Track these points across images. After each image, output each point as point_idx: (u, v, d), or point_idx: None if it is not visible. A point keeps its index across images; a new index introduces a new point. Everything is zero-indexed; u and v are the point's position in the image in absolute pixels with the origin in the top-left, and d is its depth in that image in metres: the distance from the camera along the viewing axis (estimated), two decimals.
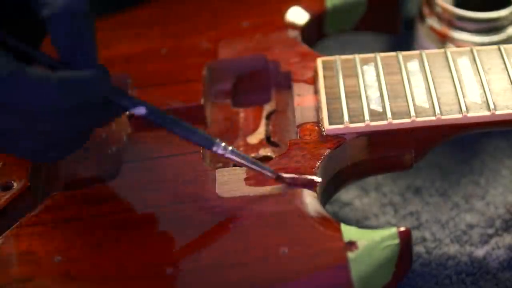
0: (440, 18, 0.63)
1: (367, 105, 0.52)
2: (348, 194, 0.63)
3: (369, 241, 0.46)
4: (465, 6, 0.63)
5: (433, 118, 0.51)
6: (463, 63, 0.55)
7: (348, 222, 0.58)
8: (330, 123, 0.52)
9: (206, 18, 0.62)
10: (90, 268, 0.47)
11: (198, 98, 0.55)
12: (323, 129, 0.52)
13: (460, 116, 0.51)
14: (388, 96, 0.53)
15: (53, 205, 0.50)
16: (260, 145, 0.55)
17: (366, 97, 0.53)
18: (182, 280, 0.46)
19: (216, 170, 0.51)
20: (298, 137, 0.52)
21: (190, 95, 0.56)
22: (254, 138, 0.55)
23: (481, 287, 0.57)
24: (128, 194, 0.50)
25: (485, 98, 0.52)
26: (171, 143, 0.53)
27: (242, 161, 0.48)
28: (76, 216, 0.49)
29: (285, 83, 0.57)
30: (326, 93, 0.53)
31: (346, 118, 0.52)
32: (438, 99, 0.52)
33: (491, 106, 0.51)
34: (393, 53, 0.56)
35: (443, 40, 0.63)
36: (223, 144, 0.48)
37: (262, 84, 0.58)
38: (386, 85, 0.53)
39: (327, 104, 0.53)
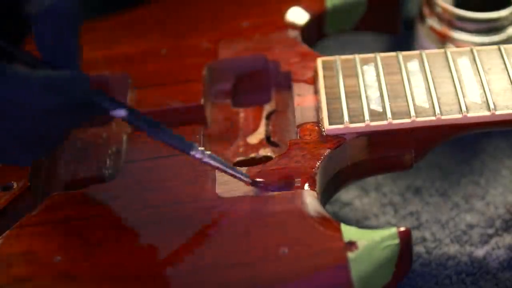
0: (440, 18, 0.63)
1: (367, 105, 0.52)
2: (348, 194, 0.63)
3: (369, 241, 0.46)
4: (465, 6, 0.63)
5: (433, 118, 0.51)
6: (463, 63, 0.55)
7: (348, 222, 0.58)
8: (330, 123, 0.52)
9: (206, 18, 0.62)
10: (90, 268, 0.47)
11: (198, 98, 0.55)
12: (323, 129, 0.52)
13: (460, 116, 0.51)
14: (388, 96, 0.53)
15: (53, 205, 0.50)
16: (260, 145, 0.55)
17: (366, 97, 0.53)
18: (182, 280, 0.46)
19: (216, 170, 0.51)
20: (298, 137, 0.52)
21: (190, 95, 0.56)
22: (254, 138, 0.55)
23: (481, 287, 0.57)
24: (128, 194, 0.50)
25: (485, 98, 0.52)
26: None
27: (219, 166, 0.49)
28: (76, 216, 0.49)
29: (285, 83, 0.57)
30: (326, 93, 0.53)
31: (346, 118, 0.52)
32: (438, 99, 0.52)
33: (491, 106, 0.51)
34: (393, 53, 0.56)
35: (443, 40, 0.63)
36: (201, 148, 0.48)
37: (262, 84, 0.58)
38: (386, 85, 0.53)
39: (327, 104, 0.53)
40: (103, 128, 0.57)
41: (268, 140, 0.55)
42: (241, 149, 0.55)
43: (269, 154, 0.54)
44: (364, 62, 0.55)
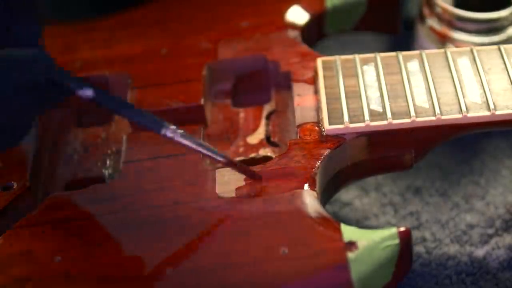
0: (440, 18, 0.63)
1: (367, 105, 0.52)
2: (348, 194, 0.63)
3: (369, 241, 0.46)
4: (463, 6, 0.63)
5: (433, 118, 0.51)
6: (463, 63, 0.55)
7: (348, 222, 0.58)
8: (330, 123, 0.52)
9: (206, 18, 0.62)
10: (90, 268, 0.47)
11: (198, 98, 0.55)
12: (323, 129, 0.52)
13: (460, 116, 0.51)
14: (388, 96, 0.53)
15: (53, 205, 0.50)
16: (260, 145, 0.55)
17: (366, 97, 0.53)
18: (182, 280, 0.46)
19: (216, 170, 0.51)
20: (298, 137, 0.52)
21: (190, 95, 0.56)
22: (254, 138, 0.55)
23: (481, 287, 0.57)
24: (128, 194, 0.50)
25: (485, 98, 0.52)
26: (171, 143, 0.53)
27: (193, 145, 0.47)
28: (76, 216, 0.49)
29: (285, 83, 0.57)
30: (326, 93, 0.53)
31: (346, 118, 0.52)
32: (438, 99, 0.52)
33: (491, 106, 0.51)
34: (393, 53, 0.56)
35: (443, 41, 0.63)
36: (173, 127, 0.47)
37: (262, 84, 0.58)
38: (386, 85, 0.53)
39: (327, 104, 0.53)
40: (103, 128, 0.57)
41: (268, 140, 0.55)
42: (241, 149, 0.55)
43: (269, 154, 0.54)
44: (364, 62, 0.55)
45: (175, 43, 0.60)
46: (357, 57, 0.56)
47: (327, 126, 0.52)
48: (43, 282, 0.46)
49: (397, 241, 0.46)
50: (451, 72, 0.54)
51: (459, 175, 0.64)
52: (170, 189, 0.50)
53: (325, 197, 0.52)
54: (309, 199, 0.48)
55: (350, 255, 0.45)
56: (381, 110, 0.52)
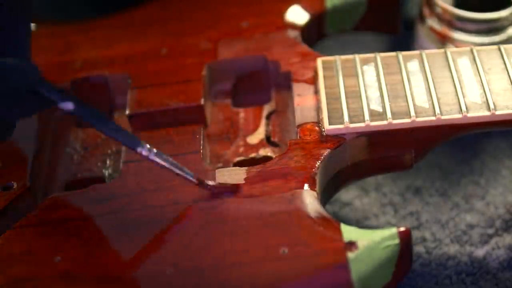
0: (440, 18, 0.63)
1: (367, 105, 0.52)
2: (348, 194, 0.63)
3: (369, 241, 0.46)
4: (463, 6, 0.63)
5: (433, 118, 0.51)
6: (463, 63, 0.55)
7: (348, 222, 0.58)
8: (330, 123, 0.52)
9: (206, 18, 0.62)
10: (90, 268, 0.47)
11: (198, 98, 0.55)
12: (323, 129, 0.52)
13: (460, 116, 0.51)
14: (388, 96, 0.53)
15: (53, 205, 0.50)
16: (260, 145, 0.55)
17: (366, 97, 0.53)
18: (182, 280, 0.46)
19: (216, 170, 0.51)
20: (298, 137, 0.52)
21: (190, 95, 0.56)
22: (254, 138, 0.55)
23: (481, 287, 0.57)
24: (128, 194, 0.50)
25: (485, 98, 0.52)
26: (171, 143, 0.53)
27: (166, 165, 0.48)
28: (76, 216, 0.49)
29: (285, 83, 0.57)
30: (326, 93, 0.53)
31: (346, 118, 0.52)
32: (438, 99, 0.52)
33: (491, 106, 0.51)
34: (393, 53, 0.56)
35: (443, 41, 0.63)
36: (148, 146, 0.48)
37: (262, 84, 0.58)
38: (386, 85, 0.53)
39: (327, 104, 0.53)
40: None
41: (268, 140, 0.55)
42: (241, 149, 0.55)
43: (269, 154, 0.54)
44: (364, 62, 0.55)
45: (175, 43, 0.60)
46: (357, 57, 0.56)
47: (327, 126, 0.52)
48: (43, 282, 0.46)
49: (397, 241, 0.46)
50: (451, 72, 0.54)
51: (459, 175, 0.64)
52: (170, 189, 0.50)
53: (325, 197, 0.52)
54: (309, 199, 0.48)
55: (350, 255, 0.45)
56: (381, 110, 0.52)
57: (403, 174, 0.64)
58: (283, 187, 0.49)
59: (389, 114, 0.52)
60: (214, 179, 0.50)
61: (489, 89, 0.53)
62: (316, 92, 0.55)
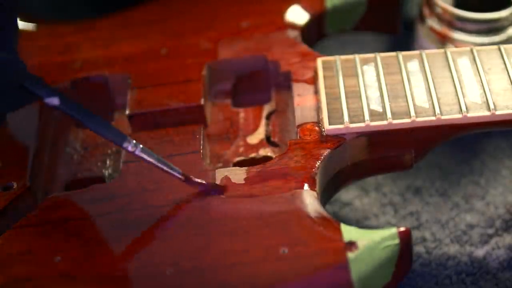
0: (440, 18, 0.63)
1: (367, 105, 0.52)
2: (348, 194, 0.63)
3: (369, 241, 0.46)
4: (463, 6, 0.63)
5: (433, 118, 0.51)
6: (463, 63, 0.55)
7: (348, 222, 0.58)
8: (330, 123, 0.52)
9: (206, 18, 0.62)
10: (90, 268, 0.47)
11: (198, 98, 0.55)
12: (323, 129, 0.52)
13: (460, 116, 0.51)
14: (388, 96, 0.53)
15: (53, 205, 0.50)
16: (260, 145, 0.55)
17: (366, 97, 0.53)
18: (182, 280, 0.46)
19: (216, 170, 0.51)
20: (298, 137, 0.52)
21: (190, 95, 0.56)
22: (254, 138, 0.55)
23: (481, 287, 0.57)
24: (128, 194, 0.50)
25: (485, 98, 0.52)
26: (171, 143, 0.53)
27: (152, 161, 0.48)
28: (76, 216, 0.49)
29: (285, 83, 0.57)
30: (326, 93, 0.53)
31: (346, 118, 0.52)
32: (438, 99, 0.52)
33: (491, 106, 0.51)
34: (393, 53, 0.56)
35: (443, 41, 0.63)
36: (134, 141, 0.48)
37: (262, 84, 0.58)
38: (386, 85, 0.53)
39: (327, 104, 0.53)
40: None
41: (268, 140, 0.55)
42: (241, 149, 0.55)
43: (269, 154, 0.54)
44: (364, 62, 0.55)
45: (175, 43, 0.60)
46: (357, 57, 0.55)
47: (327, 126, 0.52)
48: (43, 282, 0.46)
49: (397, 241, 0.46)
50: (451, 72, 0.54)
51: (459, 175, 0.64)
52: (170, 189, 0.50)
53: (325, 197, 0.52)
54: (309, 199, 0.48)
55: (350, 255, 0.45)
56: (381, 110, 0.52)
57: (403, 174, 0.64)
58: (283, 187, 0.49)
59: (389, 114, 0.52)
60: (214, 179, 0.50)
61: (489, 89, 0.53)
62: (316, 92, 0.55)
